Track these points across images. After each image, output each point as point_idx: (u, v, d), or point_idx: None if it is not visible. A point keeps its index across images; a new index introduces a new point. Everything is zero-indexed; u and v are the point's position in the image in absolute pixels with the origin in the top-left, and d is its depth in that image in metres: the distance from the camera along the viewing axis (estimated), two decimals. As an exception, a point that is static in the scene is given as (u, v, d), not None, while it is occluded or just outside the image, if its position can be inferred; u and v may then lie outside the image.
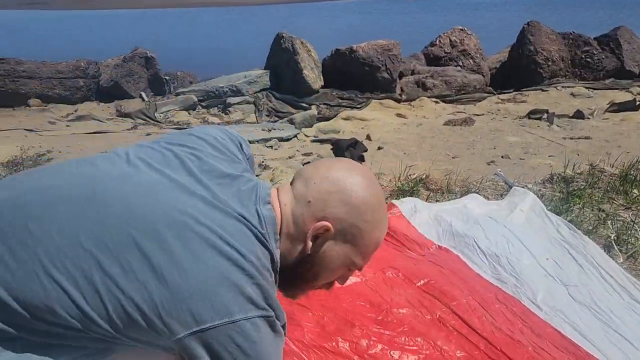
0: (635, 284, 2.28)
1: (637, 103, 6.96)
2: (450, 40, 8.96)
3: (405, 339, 1.91)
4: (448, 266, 2.34)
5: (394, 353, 1.85)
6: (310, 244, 1.03)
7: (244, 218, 0.95)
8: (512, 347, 1.87)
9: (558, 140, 5.76)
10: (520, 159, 5.17)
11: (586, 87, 8.26)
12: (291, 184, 1.09)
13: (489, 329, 1.95)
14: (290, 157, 5.47)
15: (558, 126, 6.41)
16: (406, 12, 29.66)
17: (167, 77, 8.58)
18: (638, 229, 2.87)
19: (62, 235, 0.86)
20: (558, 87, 8.38)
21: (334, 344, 1.88)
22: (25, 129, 6.38)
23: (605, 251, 2.64)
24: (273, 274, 1.00)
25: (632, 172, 3.55)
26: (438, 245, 2.59)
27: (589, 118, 6.74)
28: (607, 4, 30.49)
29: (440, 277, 2.23)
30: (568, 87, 8.36)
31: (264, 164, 5.18)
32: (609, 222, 2.97)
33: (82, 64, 7.42)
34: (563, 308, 2.10)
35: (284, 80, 7.84)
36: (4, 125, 6.57)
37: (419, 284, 2.19)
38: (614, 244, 2.71)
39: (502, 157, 5.24)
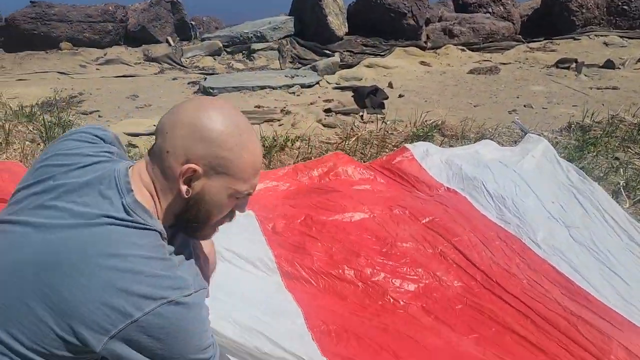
0: (637, 227, 2.36)
1: (672, 53, 6.72)
2: (481, -14, 8.69)
3: (406, 269, 2.05)
4: (454, 206, 2.44)
5: (395, 281, 2.00)
6: (184, 188, 1.04)
7: (113, 218, 0.99)
8: (507, 279, 1.99)
9: (584, 90, 5.67)
10: (543, 108, 5.13)
11: (620, 36, 7.98)
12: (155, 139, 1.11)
13: (487, 263, 2.07)
14: (311, 104, 5.53)
15: (586, 75, 6.28)
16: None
17: (192, 22, 8.60)
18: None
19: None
20: (591, 36, 8.11)
21: (340, 271, 2.03)
22: (58, 72, 6.58)
23: (613, 197, 2.70)
24: (163, 246, 1.05)
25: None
26: (447, 187, 2.69)
27: (619, 68, 6.57)
28: None
29: (445, 216, 2.34)
30: (601, 35, 8.09)
31: (285, 109, 5.27)
32: (622, 169, 3.01)
33: (110, 7, 7.50)
34: (562, 247, 2.20)
35: (308, 26, 7.78)
36: (38, 68, 6.78)
37: (424, 221, 2.31)
38: (622, 190, 2.77)
39: (524, 106, 5.21)
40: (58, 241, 0.96)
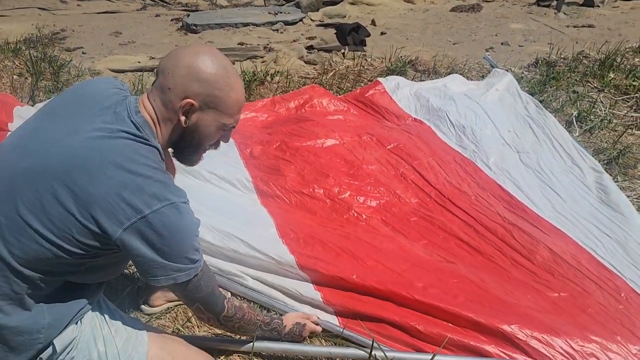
0: (580, 152, 2.61)
1: (651, -9, 6.80)
2: None
3: (370, 188, 2.30)
4: (417, 134, 2.67)
5: (359, 198, 2.24)
6: (183, 118, 1.27)
7: (128, 133, 1.21)
8: (458, 196, 2.25)
9: (561, 28, 5.80)
10: (520, 46, 5.28)
11: (604, -26, 7.98)
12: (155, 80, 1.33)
13: (442, 182, 2.32)
14: (294, 41, 5.63)
15: (565, 14, 6.38)
16: None
17: (175, -43, 8.42)
18: (601, 108, 3.14)
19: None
20: (575, -27, 8.10)
21: (311, 190, 2.27)
22: (38, 8, 6.54)
23: (565, 126, 2.93)
24: (163, 163, 1.27)
25: (615, 58, 3.73)
26: (414, 118, 2.90)
27: (598, 6, 6.67)
28: None
29: (408, 142, 2.57)
30: (586, -27, 8.08)
31: (269, 46, 5.37)
32: (578, 102, 3.23)
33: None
34: (510, 169, 2.44)
35: (293, -39, 7.69)
36: (17, 4, 6.72)
37: (389, 147, 2.53)
38: (574, 120, 3.00)
39: (501, 44, 5.36)
40: (85, 147, 1.17)
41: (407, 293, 1.71)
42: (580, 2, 6.71)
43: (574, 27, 5.89)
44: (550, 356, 1.54)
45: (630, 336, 1.60)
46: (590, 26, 5.86)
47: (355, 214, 2.18)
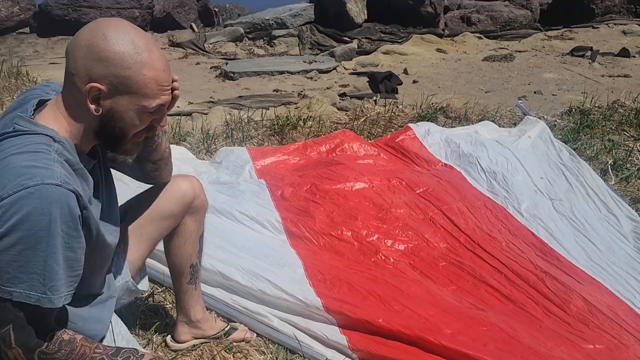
0: (616, 201, 2.55)
1: (689, 42, 6.73)
2: (501, -26, 8.75)
3: (398, 231, 2.29)
4: (447, 179, 2.67)
5: (387, 241, 2.24)
6: (92, 106, 1.11)
7: (5, 134, 1.10)
8: (488, 242, 2.22)
9: (595, 78, 5.77)
10: (553, 95, 5.27)
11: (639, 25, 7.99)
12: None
13: (472, 227, 2.30)
14: (327, 88, 5.76)
15: (600, 64, 6.36)
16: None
17: (216, 9, 8.88)
18: (637, 157, 3.08)
19: None
20: (610, 24, 8.13)
21: (339, 232, 2.28)
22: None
23: (601, 175, 2.88)
24: (74, 153, 1.13)
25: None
26: (444, 163, 2.91)
27: (634, 57, 6.62)
28: None
29: (438, 187, 2.57)
30: (621, 24, 8.10)
31: (302, 93, 5.51)
32: (613, 150, 3.18)
33: (138, -6, 7.82)
34: (542, 216, 2.41)
35: (328, 13, 7.98)
36: (68, 52, 7.13)
37: (418, 191, 2.54)
38: (609, 168, 2.94)
39: (534, 92, 5.35)
40: None
41: (435, 339, 1.67)
42: (616, 53, 6.68)
43: (609, 76, 5.85)
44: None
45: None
46: (626, 76, 5.81)
47: (383, 257, 2.17)
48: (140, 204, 1.54)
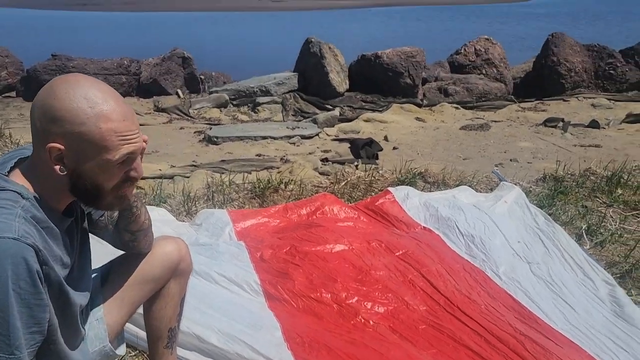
0: (592, 265, 2.59)
1: (654, 115, 7.08)
2: (475, 49, 9.22)
3: (378, 294, 2.28)
4: (426, 242, 2.69)
5: (367, 304, 2.22)
6: (56, 167, 1.09)
7: None
8: (467, 304, 2.21)
9: (568, 147, 5.98)
10: (528, 162, 5.43)
11: (608, 99, 8.39)
12: None
13: (451, 290, 2.30)
14: (310, 153, 5.87)
15: (572, 134, 6.61)
16: (437, 19, 29.85)
17: (202, 77, 9.13)
18: (611, 222, 3.15)
19: None
20: (579, 98, 8.53)
21: (318, 294, 2.26)
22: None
23: (575, 239, 2.94)
24: (41, 211, 1.11)
25: (622, 175, 3.81)
26: (423, 227, 2.94)
27: (604, 128, 6.91)
28: (635, 17, 30.26)
29: (417, 249, 2.58)
30: (589, 97, 8.50)
31: (285, 158, 5.60)
32: (587, 216, 3.25)
33: (125, 61, 8.03)
34: (520, 279, 2.42)
35: (311, 82, 8.26)
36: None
37: (397, 253, 2.55)
38: (584, 233, 3.00)
39: (510, 160, 5.52)
40: None
41: (415, 404, 1.63)
42: (586, 124, 6.97)
43: (581, 146, 6.07)
44: None
45: None
46: (597, 146, 6.04)
47: (363, 320, 2.15)
48: (122, 266, 1.51)
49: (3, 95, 8.00)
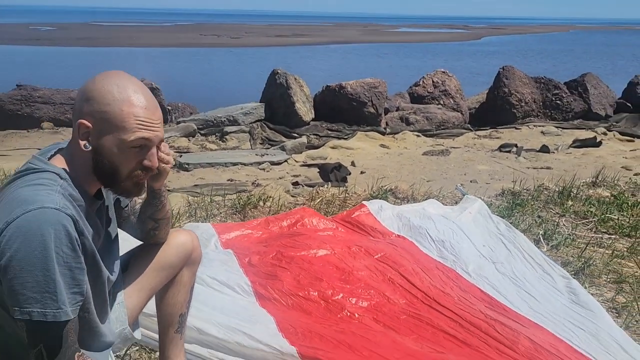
0: (549, 263, 2.87)
1: (598, 140, 7.66)
2: (433, 81, 9.75)
3: (361, 290, 2.47)
4: (402, 246, 2.92)
5: (351, 299, 2.41)
6: (82, 142, 1.26)
7: (20, 172, 1.27)
8: (442, 297, 2.43)
9: (522, 169, 6.41)
10: (486, 183, 5.80)
11: (555, 127, 9.01)
12: None
13: (427, 285, 2.52)
14: (280, 178, 6.07)
15: (525, 158, 7.08)
16: (394, 55, 31.05)
17: (169, 107, 9.26)
18: (563, 228, 3.47)
19: None
20: (530, 126, 9.13)
21: (306, 292, 2.43)
22: (37, 149, 6.98)
23: (534, 243, 3.22)
24: (77, 192, 1.26)
25: (571, 190, 4.17)
26: (397, 235, 3.17)
27: (554, 152, 7.43)
28: (577, 54, 32.61)
29: (394, 252, 2.80)
30: (539, 125, 9.11)
31: (256, 182, 5.77)
32: (543, 224, 3.57)
33: (93, 92, 8.09)
34: (488, 276, 2.67)
35: (278, 112, 8.53)
36: (19, 145, 7.18)
37: (376, 256, 2.76)
38: (541, 238, 3.30)
39: (470, 181, 5.88)
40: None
41: (403, 377, 1.82)
42: (537, 149, 7.47)
43: (534, 168, 6.52)
44: None
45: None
46: (548, 168, 6.50)
47: (349, 313, 2.33)
48: (141, 254, 1.66)
49: (-34, 125, 7.89)
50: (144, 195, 1.55)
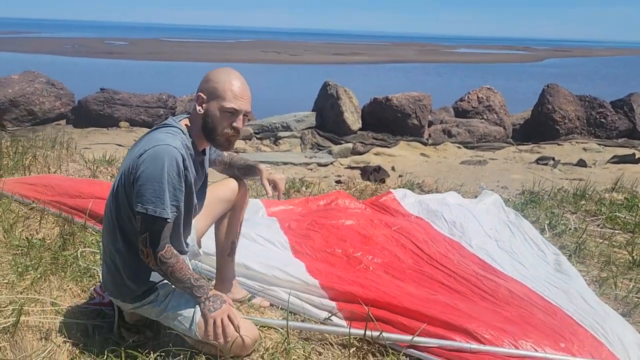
0: (546, 244, 3.31)
1: (637, 157, 7.83)
2: (478, 97, 10.15)
3: (377, 251, 3.02)
4: (417, 223, 3.44)
5: (368, 257, 2.96)
6: (198, 108, 1.91)
7: (156, 128, 1.99)
8: (444, 260, 2.94)
9: (554, 180, 6.72)
10: (517, 190, 6.17)
11: (598, 144, 9.19)
12: None
13: (433, 251, 3.04)
14: (325, 177, 6.68)
15: (560, 170, 7.38)
16: (450, 75, 31.25)
17: (229, 114, 10.09)
18: (570, 222, 3.89)
19: None
20: (572, 143, 9.35)
21: (332, 249, 3.00)
22: (116, 144, 7.93)
23: (539, 231, 3.66)
24: (182, 136, 1.91)
25: (586, 192, 4.55)
26: (416, 216, 3.70)
27: (590, 167, 7.67)
28: (611, 75, 31.69)
29: (409, 226, 3.34)
30: (582, 142, 9.31)
31: (303, 179, 6.41)
32: (553, 218, 3.98)
33: (163, 96, 9.05)
34: (488, 249, 3.15)
35: (328, 120, 9.19)
36: (100, 141, 8.17)
37: (394, 228, 3.30)
38: (546, 227, 3.73)
39: (501, 187, 6.27)
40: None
41: (399, 303, 2.36)
42: (574, 163, 7.74)
43: (566, 179, 6.82)
44: (501, 345, 2.13)
45: (558, 337, 2.19)
46: (580, 179, 6.75)
47: (365, 266, 2.88)
48: (208, 192, 2.31)
49: (55, 123, 9.00)
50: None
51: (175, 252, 1.89)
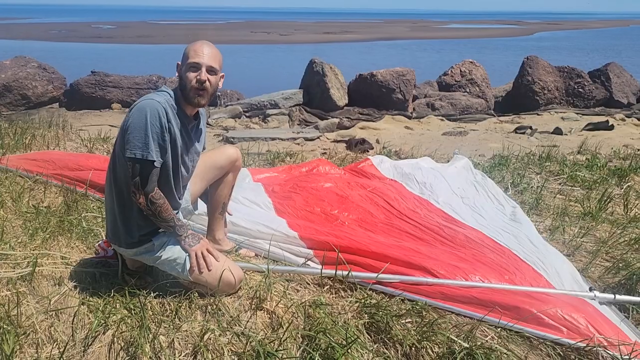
0: (506, 199, 3.65)
1: (610, 124, 8.17)
2: (461, 71, 10.42)
3: (352, 209, 3.35)
4: (391, 184, 3.78)
5: (344, 213, 3.29)
6: (177, 75, 2.29)
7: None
8: (412, 214, 3.28)
9: (529, 147, 7.06)
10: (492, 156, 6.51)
11: (576, 113, 9.52)
12: None
13: (402, 207, 3.37)
14: (312, 151, 6.99)
15: (536, 138, 7.71)
16: (440, 50, 31.42)
17: (219, 93, 10.36)
18: (534, 181, 4.22)
19: None
20: (551, 112, 9.67)
21: (311, 208, 3.33)
22: (110, 125, 8.18)
23: (504, 190, 4.00)
24: (168, 96, 2.23)
25: (552, 155, 4.89)
26: (390, 179, 4.03)
27: (566, 134, 8.01)
28: (600, 47, 31.98)
29: (383, 187, 3.67)
30: (560, 112, 9.64)
31: (290, 153, 6.72)
32: (518, 178, 4.32)
33: (153, 78, 9.28)
34: (452, 204, 3.49)
35: (314, 97, 9.45)
36: (93, 122, 8.41)
37: (368, 189, 3.63)
38: (509, 186, 4.07)
39: (479, 155, 6.60)
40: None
41: (367, 248, 2.69)
42: (551, 131, 8.07)
43: (542, 146, 7.14)
44: (453, 278, 2.48)
45: (503, 271, 2.54)
46: (554, 146, 7.11)
47: (341, 222, 3.21)
48: (204, 159, 2.60)
49: (48, 106, 9.23)
50: None
51: (162, 195, 2.21)
